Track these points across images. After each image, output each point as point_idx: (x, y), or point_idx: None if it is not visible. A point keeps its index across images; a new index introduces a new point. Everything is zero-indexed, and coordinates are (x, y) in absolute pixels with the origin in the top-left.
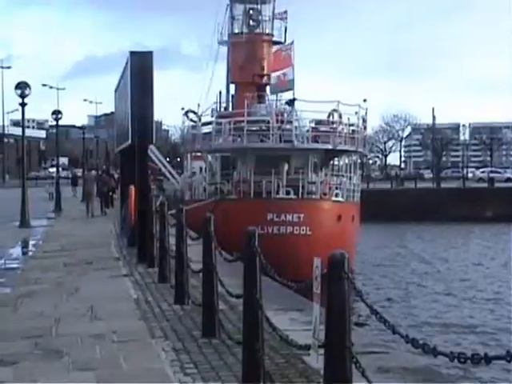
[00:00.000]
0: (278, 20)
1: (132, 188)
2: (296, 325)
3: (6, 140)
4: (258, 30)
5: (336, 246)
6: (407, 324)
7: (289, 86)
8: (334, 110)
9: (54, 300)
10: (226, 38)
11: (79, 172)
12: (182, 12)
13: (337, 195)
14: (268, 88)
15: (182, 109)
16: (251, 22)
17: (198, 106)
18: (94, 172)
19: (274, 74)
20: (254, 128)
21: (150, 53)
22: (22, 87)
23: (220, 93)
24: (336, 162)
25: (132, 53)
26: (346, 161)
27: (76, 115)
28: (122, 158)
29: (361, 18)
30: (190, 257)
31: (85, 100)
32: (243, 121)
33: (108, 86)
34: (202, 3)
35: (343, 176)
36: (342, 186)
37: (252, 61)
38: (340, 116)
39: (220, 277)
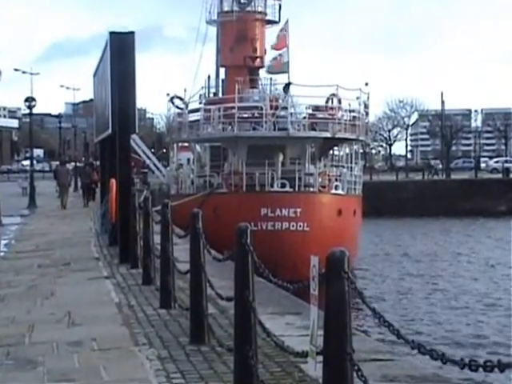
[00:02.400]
0: None
1: (113, 181)
2: (292, 330)
3: None
4: (249, 8)
5: (336, 243)
6: (414, 328)
7: (283, 68)
8: (333, 95)
9: (28, 305)
10: (214, 17)
11: (56, 164)
12: None
13: (337, 188)
14: (264, 69)
15: (168, 95)
16: None
17: (185, 91)
18: (68, 165)
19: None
20: (246, 115)
21: (132, 33)
22: None
23: (209, 77)
24: (336, 152)
25: (111, 33)
26: (347, 150)
27: (52, 103)
28: (102, 149)
29: None
30: (177, 256)
31: (61, 86)
32: (234, 107)
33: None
34: None
35: (343, 167)
36: (343, 178)
37: (243, 42)
38: (339, 101)
39: (209, 278)
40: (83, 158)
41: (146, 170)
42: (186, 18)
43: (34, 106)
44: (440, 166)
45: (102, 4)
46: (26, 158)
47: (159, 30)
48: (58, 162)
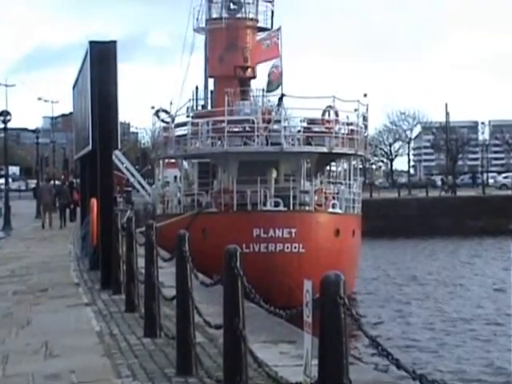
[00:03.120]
0: (264, 2)
1: (94, 201)
2: (287, 359)
3: None
4: (239, 15)
5: (333, 266)
6: (416, 357)
7: (280, 80)
8: (330, 107)
9: (2, 334)
10: (202, 24)
11: (33, 183)
12: None
13: (334, 206)
14: (264, 84)
15: (152, 108)
16: (232, 4)
17: (171, 104)
18: (51, 183)
19: (263, 68)
20: (237, 129)
21: (114, 43)
22: None
23: (196, 88)
24: (333, 168)
25: (92, 43)
26: (345, 166)
27: (28, 116)
28: (83, 166)
29: None
30: (162, 281)
31: (39, 99)
32: (224, 121)
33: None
34: None
35: (341, 183)
36: (340, 196)
37: (233, 50)
38: (336, 114)
39: (197, 304)
40: (62, 176)
41: (129, 189)
42: (171, 25)
43: (9, 120)
44: (450, 182)
45: (80, 11)
46: (1, 176)
47: (141, 39)
48: (35, 181)
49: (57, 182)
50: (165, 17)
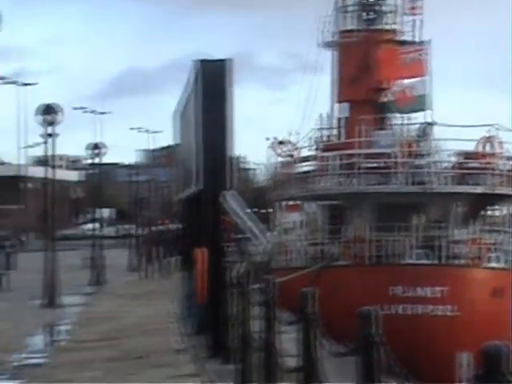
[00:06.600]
0: (409, 12)
1: (200, 251)
2: None
3: (23, 185)
4: (377, 26)
5: (493, 334)
6: None
7: (417, 104)
8: (489, 138)
9: None
10: (330, 38)
11: (130, 229)
12: (252, 9)
13: (492, 260)
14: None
15: (267, 139)
16: (368, 14)
17: (290, 134)
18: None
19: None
20: (373, 165)
21: (227, 61)
22: (48, 112)
23: (322, 116)
24: (491, 213)
25: (202, 62)
26: (507, 210)
27: (121, 149)
28: (185, 209)
29: None
30: (284, 349)
31: (132, 129)
32: (357, 154)
33: (163, 110)
34: None
35: (502, 232)
36: (501, 247)
37: (368, 69)
38: (498, 146)
39: (325, 378)
40: (160, 221)
41: (241, 236)
42: (282, 42)
43: (104, 153)
44: None
45: (175, 28)
46: (94, 220)
47: (246, 58)
48: (128, 226)
49: (159, 228)
50: (275, 32)
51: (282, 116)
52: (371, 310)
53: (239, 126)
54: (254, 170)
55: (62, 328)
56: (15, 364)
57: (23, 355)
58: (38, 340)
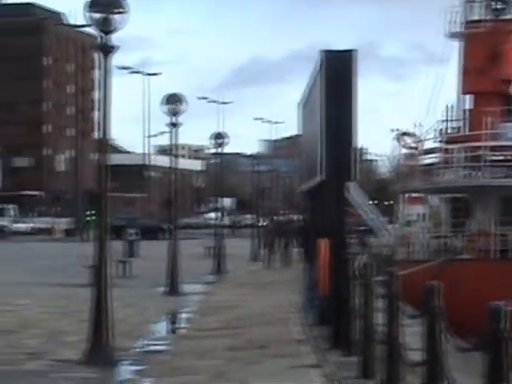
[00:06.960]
0: None
1: (323, 242)
2: None
3: (147, 174)
4: (506, 16)
5: None
6: None
7: None
8: None
9: None
10: (457, 28)
11: (248, 219)
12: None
13: None
14: None
15: (393, 131)
16: (496, 4)
17: (415, 126)
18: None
19: None
20: (499, 157)
21: (352, 52)
22: (172, 101)
23: (448, 107)
24: None
25: (327, 52)
26: None
27: (242, 139)
28: (307, 200)
29: None
30: (407, 342)
31: (255, 119)
32: (483, 147)
33: (287, 100)
34: None
35: None
36: None
37: (496, 60)
38: None
39: (450, 373)
40: (282, 211)
41: (363, 228)
42: (407, 32)
43: (227, 143)
44: None
45: (297, 19)
46: (216, 210)
47: (369, 49)
48: (248, 215)
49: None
50: (400, 23)
51: (403, 107)
52: (501, 305)
53: (361, 116)
54: (376, 161)
55: (184, 316)
56: (138, 350)
57: (145, 342)
58: (160, 327)
